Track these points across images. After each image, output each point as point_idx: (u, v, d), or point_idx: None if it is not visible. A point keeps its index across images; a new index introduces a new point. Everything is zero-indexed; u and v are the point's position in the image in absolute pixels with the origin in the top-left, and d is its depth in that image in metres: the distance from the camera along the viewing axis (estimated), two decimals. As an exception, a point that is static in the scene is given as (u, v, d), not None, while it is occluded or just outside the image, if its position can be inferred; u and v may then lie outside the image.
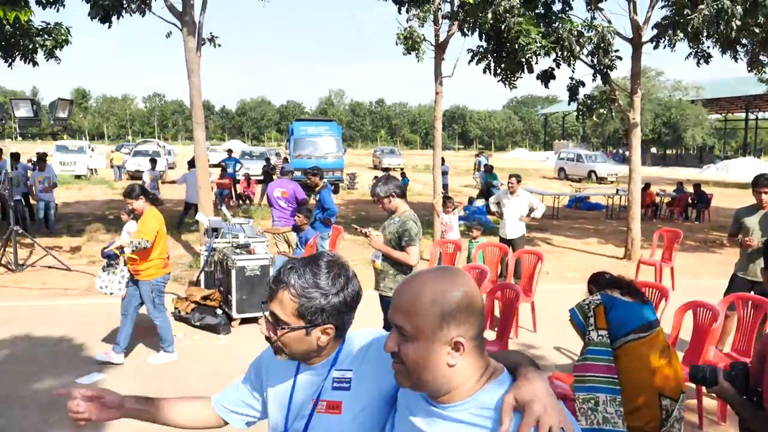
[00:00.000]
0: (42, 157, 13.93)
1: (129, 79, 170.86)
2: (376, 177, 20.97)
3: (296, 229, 8.04)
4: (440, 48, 11.52)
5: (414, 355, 1.30)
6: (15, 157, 13.78)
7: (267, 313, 1.62)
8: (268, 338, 1.61)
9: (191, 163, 14.30)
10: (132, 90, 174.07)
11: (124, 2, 10.77)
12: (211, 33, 11.13)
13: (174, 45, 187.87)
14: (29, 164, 17.44)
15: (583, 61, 11.47)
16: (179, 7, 10.16)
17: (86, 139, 56.82)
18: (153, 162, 14.73)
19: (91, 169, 28.97)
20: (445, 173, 18.13)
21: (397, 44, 11.09)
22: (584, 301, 3.21)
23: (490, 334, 5.92)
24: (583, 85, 12.09)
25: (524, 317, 7.07)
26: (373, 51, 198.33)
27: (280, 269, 1.62)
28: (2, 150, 13.85)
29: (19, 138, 10.37)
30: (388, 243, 4.90)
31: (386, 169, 34.57)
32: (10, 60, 11.06)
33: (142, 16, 10.97)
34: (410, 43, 11.00)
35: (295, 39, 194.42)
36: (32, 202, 14.02)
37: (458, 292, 1.29)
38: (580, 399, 2.96)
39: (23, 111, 9.72)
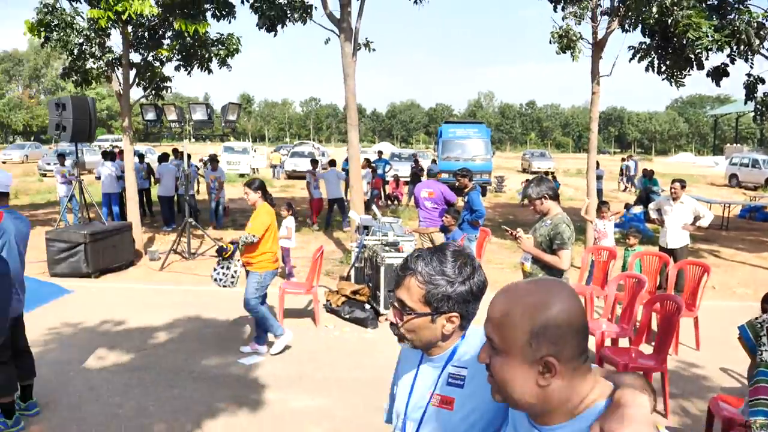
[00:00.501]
0: (214, 158, 15.28)
1: (288, 84, 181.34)
2: (527, 180, 20.48)
3: (444, 229, 8.09)
4: (598, 46, 10.99)
5: (501, 370, 1.24)
6: (187, 156, 15.25)
7: (394, 301, 1.65)
8: (393, 324, 1.64)
9: (332, 163, 15.00)
10: (290, 95, 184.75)
11: (288, 12, 11.52)
12: (366, 38, 11.54)
13: (330, 51, 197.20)
14: (200, 164, 19.25)
15: (763, 55, 10.38)
16: (337, 15, 10.65)
17: (249, 141, 61.29)
18: (314, 163, 15.40)
19: (254, 169, 31.20)
20: (599, 177, 17.29)
21: (551, 43, 10.75)
22: (757, 319, 2.93)
23: (646, 349, 5.56)
24: (763, 82, 10.93)
25: (686, 334, 6.55)
26: (524, 52, 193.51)
27: (407, 257, 1.65)
28: (177, 150, 15.37)
29: (192, 139, 11.62)
30: (539, 246, 4.77)
31: (536, 173, 33.68)
32: (189, 68, 12.25)
33: (303, 25, 11.65)
34: (565, 41, 10.61)
35: (445, 41, 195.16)
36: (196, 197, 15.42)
37: (554, 309, 1.19)
38: (758, 424, 2.68)
39: (199, 114, 10.75)
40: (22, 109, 76.51)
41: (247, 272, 6.03)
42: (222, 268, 6.17)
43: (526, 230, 5.08)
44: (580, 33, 10.62)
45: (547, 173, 28.48)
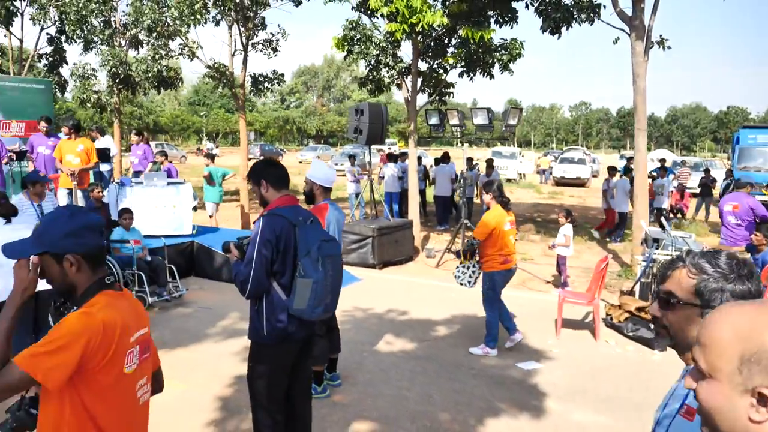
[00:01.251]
0: (490, 164, 15.60)
1: (557, 88, 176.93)
2: None
3: (751, 249, 7.06)
4: None
5: (706, 398, 1.07)
6: (468, 160, 15.71)
7: (660, 294, 1.58)
8: (656, 318, 1.58)
9: (620, 169, 14.03)
10: (559, 99, 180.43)
11: (575, 13, 11.18)
12: (660, 35, 10.66)
13: (606, 54, 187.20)
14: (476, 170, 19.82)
15: None
16: (629, 12, 10.01)
17: (515, 146, 61.43)
18: (612, 170, 14.27)
19: (521, 174, 31.14)
20: None
21: None
22: None
23: None
24: None
25: None
26: None
27: (676, 255, 1.60)
28: (447, 153, 15.95)
29: (464, 144, 12.01)
30: None
31: None
32: (471, 75, 12.63)
33: (591, 25, 11.22)
34: None
35: (741, 34, 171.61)
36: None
37: None
38: None
39: (480, 119, 11.05)
40: (316, 115, 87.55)
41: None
42: (463, 267, 6.48)
43: None
44: None
45: None
